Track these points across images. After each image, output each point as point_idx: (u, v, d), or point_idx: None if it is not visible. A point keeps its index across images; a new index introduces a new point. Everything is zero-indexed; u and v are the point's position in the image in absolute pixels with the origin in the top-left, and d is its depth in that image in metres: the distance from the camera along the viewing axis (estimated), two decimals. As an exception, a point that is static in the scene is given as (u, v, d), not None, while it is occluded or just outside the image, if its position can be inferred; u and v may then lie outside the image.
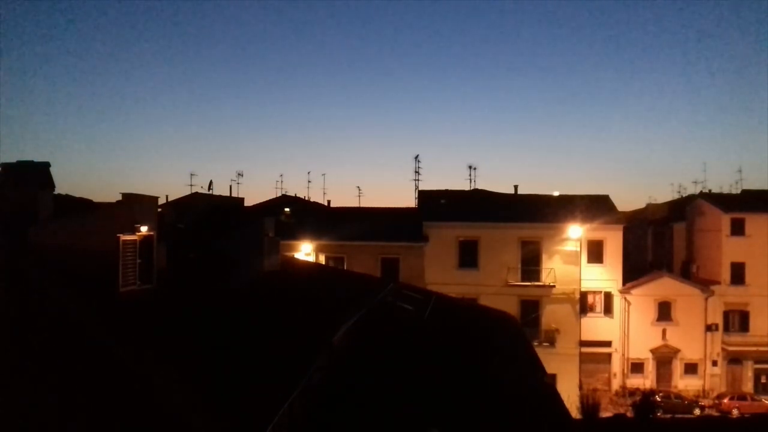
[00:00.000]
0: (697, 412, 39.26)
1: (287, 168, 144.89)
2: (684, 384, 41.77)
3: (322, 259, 38.63)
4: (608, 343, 41.64)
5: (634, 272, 43.40)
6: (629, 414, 36.39)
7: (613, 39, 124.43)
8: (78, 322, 9.28)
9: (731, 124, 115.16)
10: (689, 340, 41.89)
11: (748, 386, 42.64)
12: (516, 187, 46.37)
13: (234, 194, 50.04)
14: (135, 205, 12.59)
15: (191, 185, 47.90)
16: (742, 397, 40.53)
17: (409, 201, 70.59)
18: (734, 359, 42.80)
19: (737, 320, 43.05)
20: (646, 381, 41.41)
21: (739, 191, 51.21)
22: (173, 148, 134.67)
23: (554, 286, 39.10)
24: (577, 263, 39.58)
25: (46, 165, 12.52)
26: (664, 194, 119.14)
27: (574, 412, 26.96)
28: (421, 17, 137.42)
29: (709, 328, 42.27)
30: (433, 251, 39.57)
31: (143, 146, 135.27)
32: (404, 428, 10.78)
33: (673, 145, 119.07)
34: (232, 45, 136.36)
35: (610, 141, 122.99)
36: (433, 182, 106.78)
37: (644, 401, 36.28)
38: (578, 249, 39.55)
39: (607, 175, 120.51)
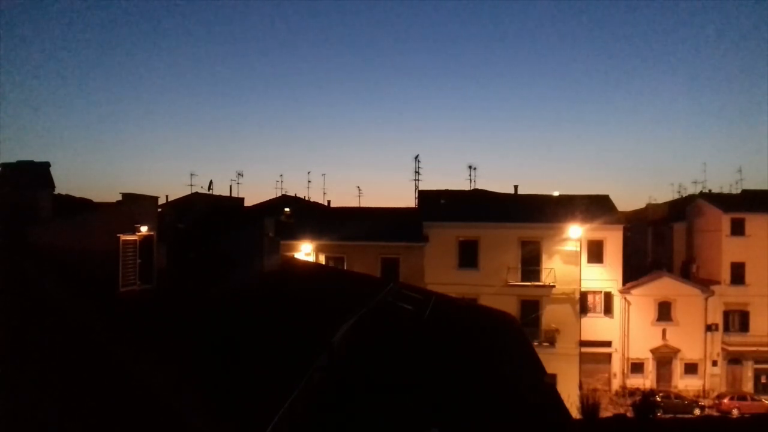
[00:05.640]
0: (697, 412, 39.28)
1: (287, 168, 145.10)
2: (684, 384, 41.80)
3: (322, 259, 38.62)
4: (608, 343, 41.69)
5: (634, 272, 43.37)
6: (629, 414, 36.39)
7: (613, 39, 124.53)
8: (78, 322, 9.27)
9: (731, 124, 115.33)
10: (689, 340, 41.93)
11: (748, 386, 42.66)
12: (516, 187, 46.52)
13: (234, 194, 50.14)
14: (135, 205, 12.58)
15: (191, 185, 48.02)
16: (742, 397, 40.53)
17: (409, 201, 70.72)
18: (734, 359, 42.83)
19: (737, 320, 43.07)
20: (646, 381, 41.45)
21: (739, 191, 51.21)
22: (173, 148, 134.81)
23: (554, 286, 39.09)
24: (577, 263, 39.58)
25: (46, 165, 12.49)
26: (664, 194, 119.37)
27: (574, 412, 26.95)
28: (421, 17, 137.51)
29: (709, 328, 42.28)
30: (433, 251, 39.56)
31: (143, 146, 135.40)
32: (404, 428, 10.76)
33: (673, 145, 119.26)
34: (232, 45, 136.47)
35: (610, 141, 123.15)
36: (433, 182, 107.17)
37: (644, 401, 36.27)
38: (578, 249, 39.54)
39: (607, 175, 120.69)
